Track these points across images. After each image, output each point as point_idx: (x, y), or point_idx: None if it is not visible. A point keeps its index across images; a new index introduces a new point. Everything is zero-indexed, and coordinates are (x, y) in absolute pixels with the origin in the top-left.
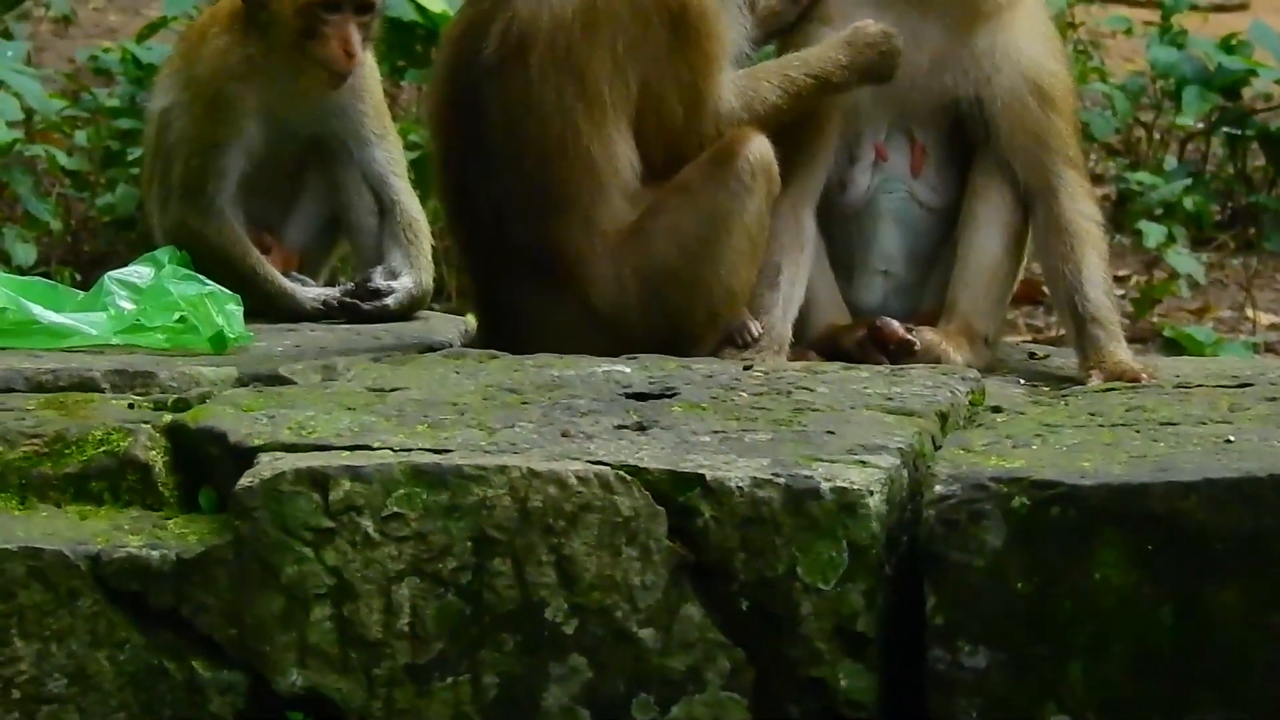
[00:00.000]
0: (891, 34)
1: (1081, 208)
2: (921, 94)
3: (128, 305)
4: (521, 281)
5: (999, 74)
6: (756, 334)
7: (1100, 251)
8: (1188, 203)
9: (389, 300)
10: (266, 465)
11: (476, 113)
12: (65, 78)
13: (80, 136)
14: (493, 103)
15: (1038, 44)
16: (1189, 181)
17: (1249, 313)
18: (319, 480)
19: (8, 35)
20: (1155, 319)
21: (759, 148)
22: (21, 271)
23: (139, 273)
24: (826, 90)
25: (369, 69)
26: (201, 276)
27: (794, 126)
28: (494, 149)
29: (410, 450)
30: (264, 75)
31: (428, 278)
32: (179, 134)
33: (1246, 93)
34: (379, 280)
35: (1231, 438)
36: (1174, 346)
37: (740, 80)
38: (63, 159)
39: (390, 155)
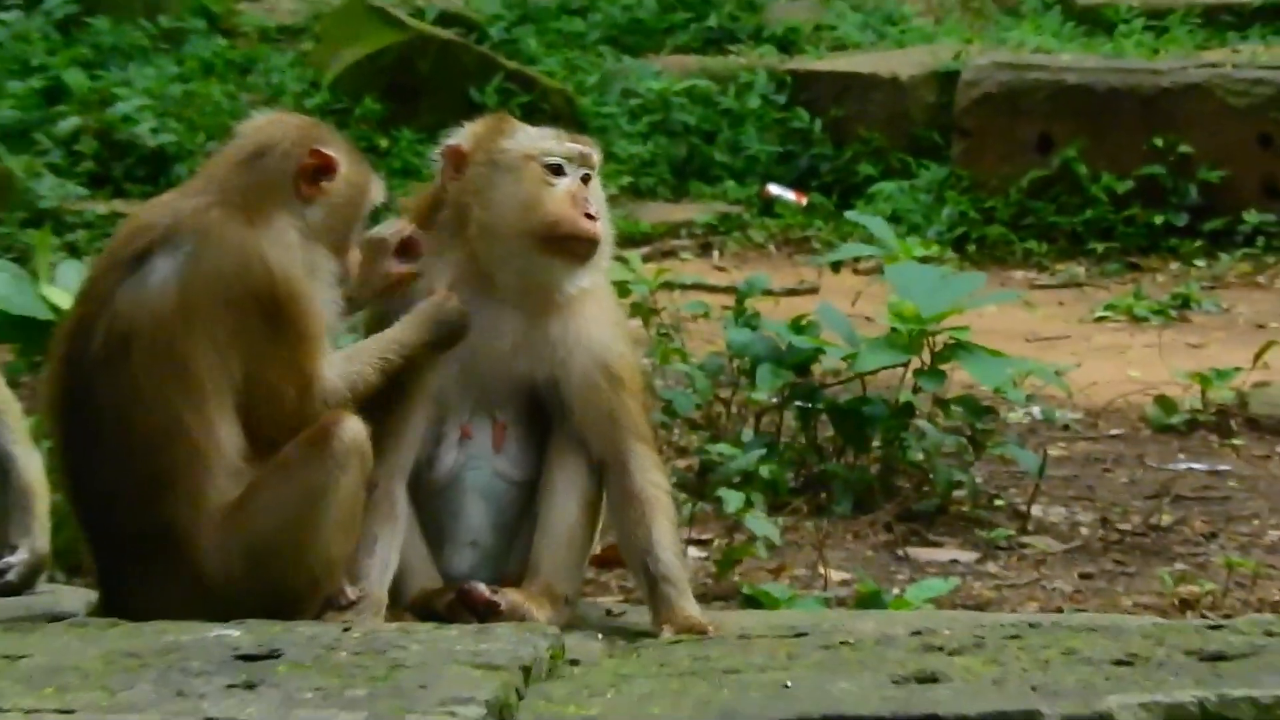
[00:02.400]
0: (466, 312)
1: (651, 478)
2: (502, 377)
3: None
4: (135, 558)
5: (571, 357)
6: (355, 598)
7: (669, 516)
8: (764, 471)
9: (9, 577)
10: None
11: (89, 404)
12: None
13: None
14: (103, 395)
15: (607, 329)
16: (764, 452)
17: (821, 570)
18: None
19: None
20: (736, 578)
21: (352, 428)
22: None
23: None
24: (413, 363)
25: None
26: None
27: (386, 409)
28: (106, 437)
29: (38, 711)
30: None
31: (44, 542)
32: None
33: (816, 369)
34: None
35: (789, 683)
36: (753, 603)
37: (341, 361)
38: None
39: (2, 421)
